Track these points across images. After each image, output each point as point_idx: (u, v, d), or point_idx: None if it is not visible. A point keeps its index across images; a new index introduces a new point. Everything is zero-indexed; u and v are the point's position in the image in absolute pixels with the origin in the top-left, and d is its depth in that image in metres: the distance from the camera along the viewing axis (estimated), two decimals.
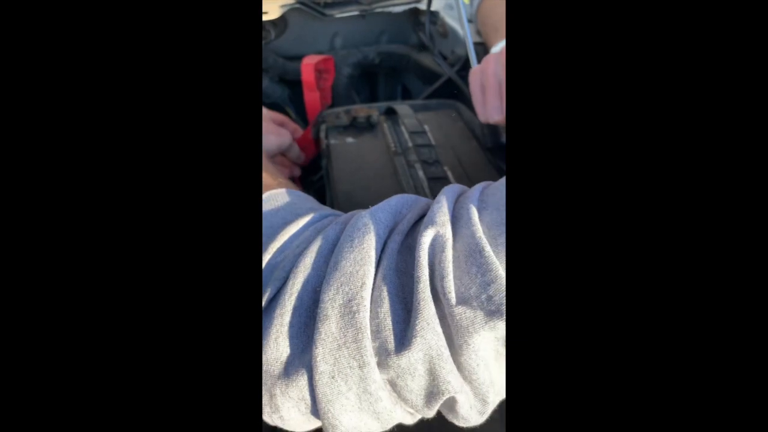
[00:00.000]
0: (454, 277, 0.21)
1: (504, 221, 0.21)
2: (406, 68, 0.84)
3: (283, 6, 0.79)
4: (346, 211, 0.45)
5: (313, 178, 0.71)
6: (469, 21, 0.75)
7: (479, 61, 0.57)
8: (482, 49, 0.63)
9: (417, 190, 0.48)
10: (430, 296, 0.21)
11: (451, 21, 0.78)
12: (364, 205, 0.46)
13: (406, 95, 0.97)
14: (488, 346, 0.20)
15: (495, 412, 0.23)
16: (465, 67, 0.70)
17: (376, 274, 0.23)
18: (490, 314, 0.19)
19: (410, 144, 0.51)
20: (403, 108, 0.58)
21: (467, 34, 0.58)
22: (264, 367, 0.22)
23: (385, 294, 0.22)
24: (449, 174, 0.50)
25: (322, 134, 0.57)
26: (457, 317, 0.20)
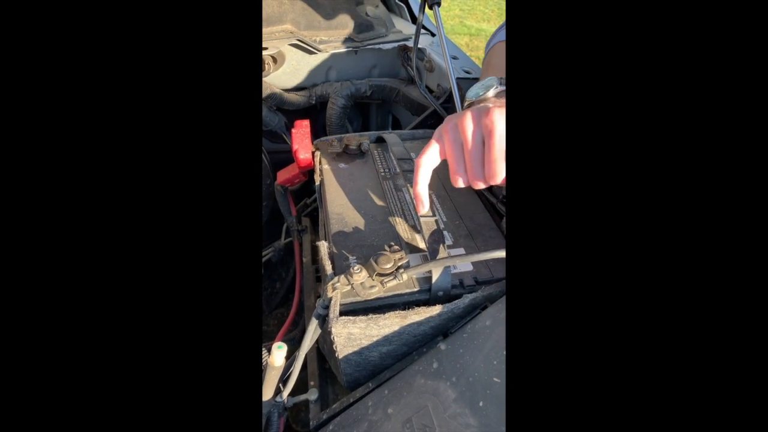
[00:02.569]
0: None
1: None
2: (395, 100, 0.90)
3: (280, 41, 0.85)
4: (338, 229, 0.48)
5: (307, 200, 0.74)
6: (454, 57, 0.81)
7: (461, 95, 0.62)
8: (467, 83, 0.68)
9: (404, 212, 0.51)
10: None
11: (437, 57, 0.85)
12: (356, 225, 0.50)
13: (396, 125, 1.02)
14: None
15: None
16: (449, 99, 0.76)
17: None
18: None
19: (398, 170, 0.55)
20: (391, 137, 0.62)
21: (450, 70, 0.64)
22: None
23: None
24: (434, 197, 0.54)
25: (316, 160, 0.61)
26: None
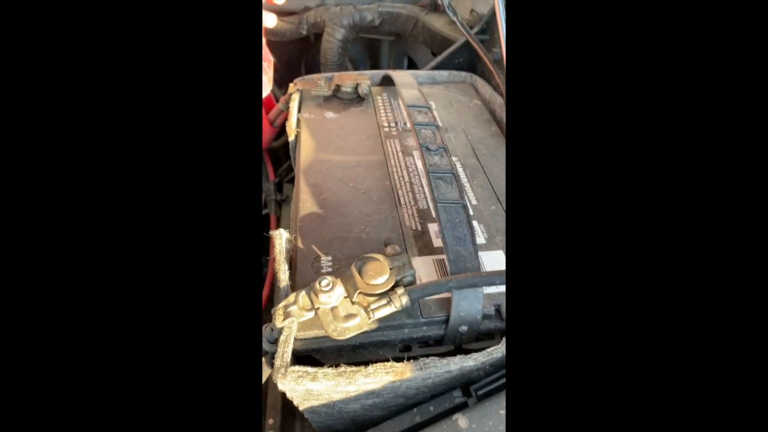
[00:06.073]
0: None
1: None
2: (412, 34, 0.70)
3: None
4: (309, 211, 0.32)
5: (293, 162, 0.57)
6: None
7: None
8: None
9: (413, 188, 0.34)
10: None
11: None
12: (338, 205, 0.33)
13: (413, 68, 0.82)
14: None
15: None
16: (485, 30, 0.56)
17: None
18: None
19: (408, 124, 0.38)
20: (402, 76, 0.44)
21: None
22: None
23: None
24: (459, 166, 0.37)
25: (293, 105, 0.44)
26: None
